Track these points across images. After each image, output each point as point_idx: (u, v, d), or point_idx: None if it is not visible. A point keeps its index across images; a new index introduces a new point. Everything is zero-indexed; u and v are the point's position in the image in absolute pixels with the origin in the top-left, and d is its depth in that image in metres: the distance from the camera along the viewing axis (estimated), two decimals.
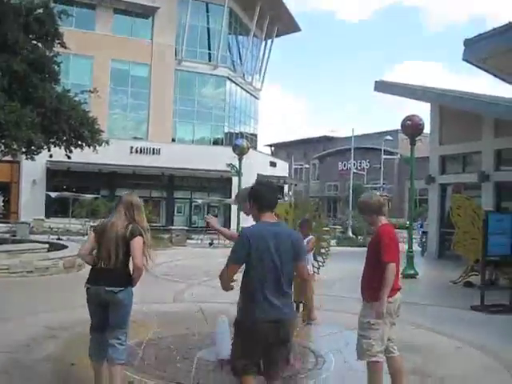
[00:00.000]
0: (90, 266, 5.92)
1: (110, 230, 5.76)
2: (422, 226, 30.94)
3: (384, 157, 61.41)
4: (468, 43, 19.79)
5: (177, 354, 7.42)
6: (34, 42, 19.53)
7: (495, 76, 24.10)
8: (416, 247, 23.53)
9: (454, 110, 23.78)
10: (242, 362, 4.71)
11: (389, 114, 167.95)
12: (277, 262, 4.66)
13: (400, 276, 15.38)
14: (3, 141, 18.45)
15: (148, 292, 7.13)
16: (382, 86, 28.19)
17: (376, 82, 27.78)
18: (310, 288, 10.56)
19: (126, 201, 5.93)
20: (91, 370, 6.01)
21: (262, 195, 4.91)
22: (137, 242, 5.71)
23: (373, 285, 5.66)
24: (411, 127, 18.01)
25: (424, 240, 27.86)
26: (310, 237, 11.32)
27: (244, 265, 4.74)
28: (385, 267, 5.59)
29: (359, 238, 36.10)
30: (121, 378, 5.78)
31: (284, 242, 4.73)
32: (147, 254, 5.85)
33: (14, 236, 23.83)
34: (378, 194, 6.47)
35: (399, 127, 19.31)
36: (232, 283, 4.84)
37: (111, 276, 5.72)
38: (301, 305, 10.87)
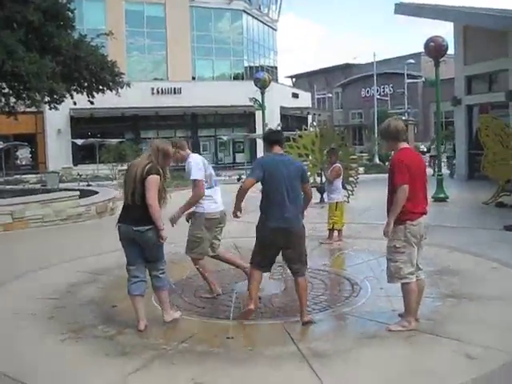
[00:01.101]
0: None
1: (132, 169, 6.08)
2: (429, 151, 30.76)
3: (407, 81, 60.29)
4: None
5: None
6: None
7: None
8: (444, 170, 23.37)
9: (478, 29, 23.11)
10: (258, 258, 6.31)
11: (410, 37, 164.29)
12: (286, 182, 6.09)
13: (431, 200, 15.27)
14: (26, 92, 18.48)
15: (180, 231, 7.20)
16: (403, 8, 27.42)
17: (396, 4, 27.02)
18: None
19: (153, 145, 6.25)
20: (133, 310, 6.18)
21: (268, 135, 6.71)
22: (150, 180, 5.93)
23: None
24: (434, 49, 17.58)
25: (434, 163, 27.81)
26: (336, 164, 11.39)
27: (263, 189, 6.22)
28: (396, 190, 5.76)
29: (386, 164, 35.91)
30: (167, 301, 6.32)
31: (290, 167, 6.22)
32: (163, 196, 6.12)
33: (45, 186, 24.07)
34: (398, 118, 6.49)
35: (421, 50, 18.88)
36: (239, 213, 6.51)
37: (136, 214, 5.97)
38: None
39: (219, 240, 7.41)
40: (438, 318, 6.24)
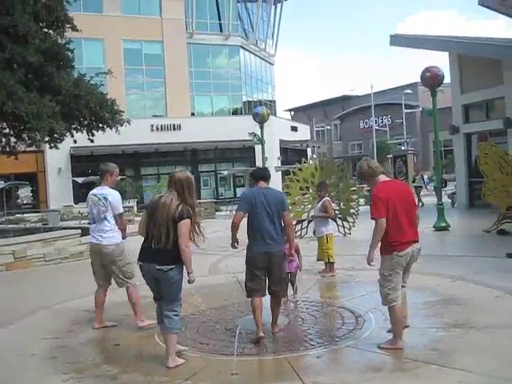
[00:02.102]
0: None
1: (162, 209, 5.94)
2: (414, 181, 30.49)
3: (405, 111, 60.73)
4: None
5: (218, 326, 7.52)
6: (45, 30, 19.49)
7: None
8: (445, 199, 23.37)
9: (473, 57, 23.34)
10: (250, 284, 6.88)
11: (406, 68, 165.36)
12: (266, 210, 6.83)
13: (432, 229, 15.23)
14: (26, 132, 18.58)
15: None
16: (398, 40, 27.78)
17: (391, 36, 27.35)
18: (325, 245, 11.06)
19: (177, 179, 6.04)
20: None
21: (253, 172, 7.50)
22: (183, 225, 5.88)
23: (382, 240, 6.22)
24: (431, 79, 17.73)
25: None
26: (325, 198, 11.47)
27: (247, 218, 6.91)
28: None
29: None
30: (174, 345, 6.11)
31: (271, 198, 6.93)
32: (197, 231, 6.09)
33: (46, 224, 24.08)
34: (368, 158, 6.85)
35: (418, 80, 19.08)
36: (236, 244, 7.05)
37: (161, 255, 5.91)
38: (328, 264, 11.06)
39: (113, 272, 7.91)
40: (443, 348, 6.20)
